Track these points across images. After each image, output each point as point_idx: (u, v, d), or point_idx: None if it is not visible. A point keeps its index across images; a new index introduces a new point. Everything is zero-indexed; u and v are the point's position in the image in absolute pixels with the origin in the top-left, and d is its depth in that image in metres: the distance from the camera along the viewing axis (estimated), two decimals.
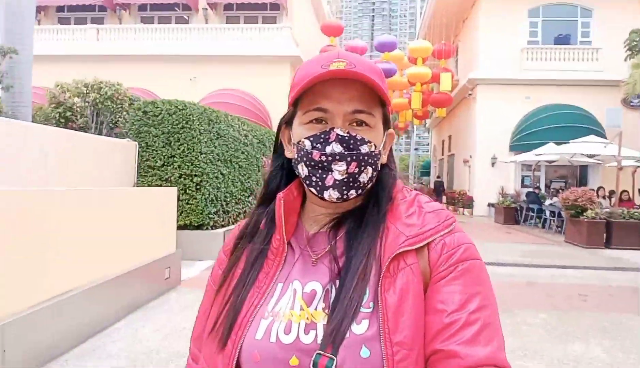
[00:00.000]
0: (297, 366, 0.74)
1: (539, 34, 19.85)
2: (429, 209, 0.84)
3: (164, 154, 7.19)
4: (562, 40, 19.74)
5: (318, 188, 0.83)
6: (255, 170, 9.40)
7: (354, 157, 0.81)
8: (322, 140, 0.82)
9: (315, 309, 0.78)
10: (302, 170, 0.84)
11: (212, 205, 7.50)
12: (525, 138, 18.26)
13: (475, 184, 19.49)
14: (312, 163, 0.82)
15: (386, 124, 0.88)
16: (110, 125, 8.11)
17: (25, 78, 6.36)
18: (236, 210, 8.57)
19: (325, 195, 0.82)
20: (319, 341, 0.74)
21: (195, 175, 7.18)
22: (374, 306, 0.75)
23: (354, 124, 0.83)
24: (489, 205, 18.52)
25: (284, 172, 0.92)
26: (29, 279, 3.41)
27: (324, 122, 0.83)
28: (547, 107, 18.47)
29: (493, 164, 18.97)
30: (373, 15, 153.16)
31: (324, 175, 0.82)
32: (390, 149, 0.93)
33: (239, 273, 0.87)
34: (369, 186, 0.85)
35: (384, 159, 0.89)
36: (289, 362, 0.75)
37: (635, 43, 15.77)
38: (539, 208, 14.35)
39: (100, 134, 7.81)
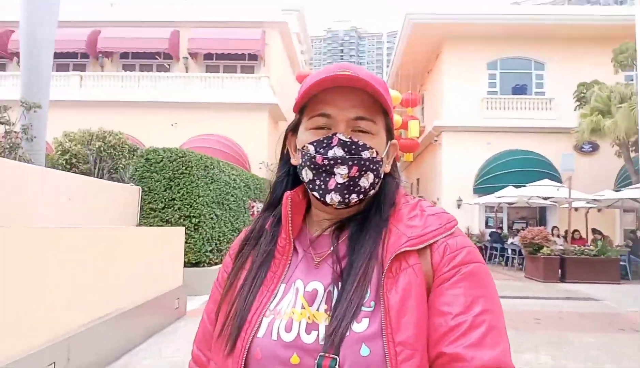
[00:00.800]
0: (297, 365, 0.75)
1: (498, 84, 21.54)
2: (431, 212, 0.86)
3: (165, 197, 7.91)
4: (519, 90, 21.48)
5: (321, 192, 0.85)
6: (243, 211, 10.15)
7: (355, 161, 0.84)
8: (324, 145, 0.85)
9: (317, 310, 0.79)
10: (306, 174, 0.87)
11: (208, 244, 8.21)
12: (487, 181, 19.54)
13: None
14: (316, 167, 0.85)
15: (389, 133, 0.92)
16: (111, 171, 8.80)
17: (42, 128, 7.02)
18: (227, 248, 9.27)
19: (327, 198, 0.85)
20: (321, 341, 0.75)
21: (194, 217, 7.91)
22: (375, 305, 0.76)
23: (357, 130, 0.86)
24: None
25: (290, 178, 0.96)
26: (82, 301, 4.07)
27: (327, 128, 0.86)
28: (506, 152, 19.85)
29: (459, 206, 20.11)
30: (341, 61, 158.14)
31: (327, 178, 0.85)
32: (394, 159, 0.97)
33: (244, 275, 0.88)
34: (370, 192, 0.88)
35: (387, 168, 0.92)
36: (290, 360, 0.76)
37: (582, 94, 17.46)
38: (501, 247, 15.46)
39: (101, 178, 8.50)
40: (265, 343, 0.78)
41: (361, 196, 0.86)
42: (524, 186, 15.49)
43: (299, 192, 0.91)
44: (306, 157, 0.86)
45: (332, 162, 0.84)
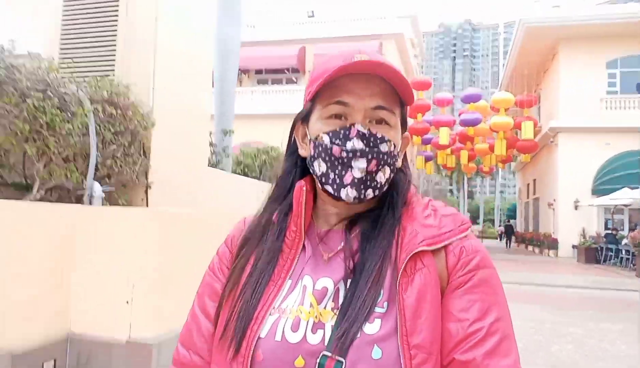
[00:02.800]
0: (302, 367, 0.73)
1: (618, 83, 21.20)
2: (445, 212, 0.84)
3: None
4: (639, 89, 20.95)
5: (335, 186, 0.80)
6: None
7: (375, 155, 0.80)
8: (342, 135, 0.80)
9: (325, 308, 0.77)
10: (319, 167, 0.82)
11: None
12: (607, 183, 19.49)
13: (559, 227, 20.87)
14: (332, 159, 0.80)
15: (403, 124, 0.87)
16: (270, 178, 11.28)
17: (230, 143, 9.17)
18: None
19: (342, 194, 0.80)
20: (327, 342, 0.73)
21: None
22: (389, 306, 0.74)
23: (374, 121, 0.81)
24: (573, 246, 19.78)
25: (298, 170, 0.90)
26: None
27: (343, 117, 0.81)
28: (627, 152, 19.59)
29: (576, 207, 20.26)
30: (454, 56, 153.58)
31: (343, 172, 0.80)
32: (405, 154, 0.92)
33: (249, 270, 0.84)
34: (384, 188, 0.83)
35: (399, 162, 0.87)
36: (294, 363, 0.73)
37: None
38: (616, 248, 15.78)
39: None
40: (268, 344, 0.75)
41: (377, 191, 0.82)
42: (633, 188, 15.65)
43: (308, 183, 0.85)
44: (320, 148, 0.81)
45: (350, 154, 0.79)
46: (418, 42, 33.94)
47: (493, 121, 22.05)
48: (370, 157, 0.79)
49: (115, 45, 4.98)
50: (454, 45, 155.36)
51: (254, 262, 0.85)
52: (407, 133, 0.90)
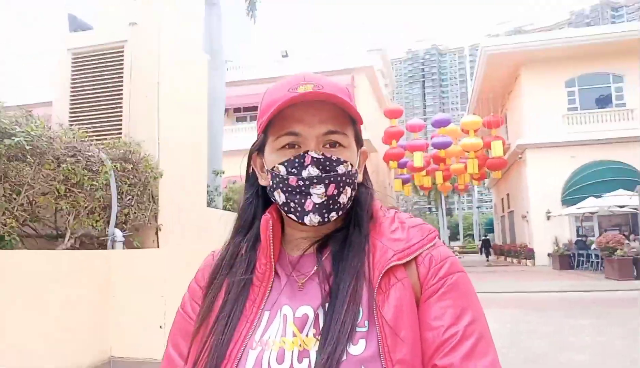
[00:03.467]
0: None
1: (577, 100, 22.60)
2: (411, 224, 0.85)
3: None
4: (603, 101, 22.38)
5: (298, 214, 0.81)
6: None
7: (332, 179, 0.80)
8: (297, 164, 0.80)
9: (307, 336, 0.76)
10: (279, 196, 0.82)
11: None
12: (575, 192, 20.53)
13: (533, 237, 21.85)
14: (289, 189, 0.81)
15: (358, 142, 0.88)
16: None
17: (220, 179, 9.87)
18: None
19: (306, 220, 0.80)
20: None
21: None
22: (369, 324, 0.75)
23: (328, 145, 0.82)
24: (548, 255, 20.74)
25: (260, 200, 0.90)
26: None
27: (296, 146, 0.81)
28: (592, 163, 20.78)
29: (548, 218, 21.27)
30: (423, 81, 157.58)
31: (303, 200, 0.80)
32: (365, 168, 0.93)
33: (219, 306, 0.82)
34: (348, 206, 0.84)
35: (359, 177, 0.88)
36: None
37: None
38: (587, 253, 16.74)
39: None
40: None
41: (340, 212, 0.82)
42: (601, 196, 16.73)
43: (273, 212, 0.85)
44: (277, 179, 0.82)
45: (307, 182, 0.79)
46: (388, 72, 35.35)
47: (464, 142, 23.24)
48: (327, 181, 0.80)
49: (121, 106, 5.69)
50: (423, 70, 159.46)
51: (225, 295, 0.83)
52: (363, 148, 0.91)
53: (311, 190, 0.80)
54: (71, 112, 5.83)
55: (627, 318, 7.72)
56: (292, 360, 0.74)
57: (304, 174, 0.80)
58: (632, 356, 5.38)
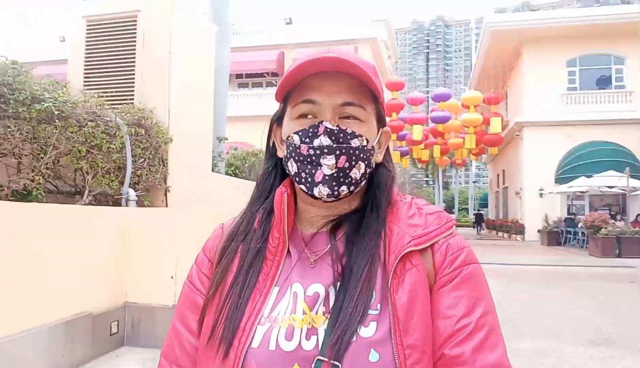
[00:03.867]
0: None
1: (577, 80, 22.83)
2: (429, 211, 0.85)
3: None
4: (604, 82, 22.63)
5: (307, 185, 0.81)
6: None
7: (344, 151, 0.79)
8: (310, 133, 0.80)
9: (316, 313, 0.76)
10: (292, 166, 0.82)
11: None
12: (569, 171, 21.00)
13: (526, 213, 22.42)
14: (301, 158, 0.81)
15: (380, 120, 0.86)
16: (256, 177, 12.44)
17: (223, 147, 10.22)
18: None
19: (315, 191, 0.80)
20: (320, 347, 0.73)
21: None
22: (382, 307, 0.75)
23: (345, 117, 0.81)
24: (538, 231, 21.37)
25: (278, 171, 0.90)
26: None
27: (313, 116, 0.81)
28: (587, 143, 21.19)
29: (541, 195, 21.80)
30: (428, 52, 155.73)
31: (313, 171, 0.80)
32: (387, 148, 0.91)
33: (232, 278, 0.83)
34: (362, 183, 0.83)
35: (379, 157, 0.87)
36: None
37: None
38: (574, 231, 17.32)
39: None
40: (262, 354, 0.74)
41: (352, 188, 0.82)
42: (592, 176, 17.23)
43: (288, 187, 0.85)
44: (291, 148, 0.82)
45: (317, 151, 0.79)
46: (391, 44, 35.24)
47: (464, 117, 23.51)
48: (338, 153, 0.79)
49: (134, 75, 6.04)
50: (427, 41, 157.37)
51: (238, 265, 0.84)
52: (387, 128, 0.89)
53: (321, 160, 0.79)
54: (85, 77, 6.19)
55: (597, 291, 8.32)
56: (300, 337, 0.74)
57: (316, 143, 0.79)
58: (593, 324, 5.91)
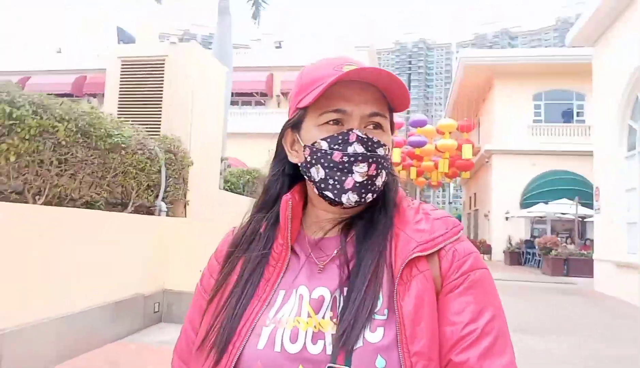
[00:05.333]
0: None
1: (542, 114, 24.83)
2: (436, 216, 0.84)
3: None
4: (567, 115, 24.64)
5: (335, 191, 0.81)
6: None
7: (375, 159, 0.81)
8: (340, 141, 0.81)
9: (323, 318, 0.77)
10: (317, 173, 0.82)
11: None
12: (533, 197, 22.67)
13: (493, 235, 24.13)
14: (331, 165, 0.81)
15: (392, 129, 0.89)
16: (251, 194, 13.63)
17: (223, 165, 11.55)
18: None
19: (344, 198, 0.81)
20: (328, 352, 0.73)
21: None
22: (389, 313, 0.75)
23: (370, 126, 0.83)
24: (503, 251, 23.05)
25: (286, 178, 0.91)
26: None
27: (340, 123, 0.82)
28: (550, 172, 22.97)
29: (507, 218, 23.54)
30: (409, 73, 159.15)
31: (344, 178, 0.80)
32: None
33: (234, 282, 0.84)
34: (379, 191, 0.85)
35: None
36: None
37: None
38: (533, 252, 19.13)
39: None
40: (268, 355, 0.75)
41: (374, 195, 0.83)
42: (547, 203, 19.09)
43: (295, 193, 0.86)
44: (319, 154, 0.82)
45: (352, 159, 0.80)
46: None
47: (440, 143, 25.30)
48: (370, 161, 0.80)
49: (161, 108, 7.45)
50: (410, 63, 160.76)
51: (240, 271, 0.85)
52: (392, 137, 0.90)
53: (354, 168, 0.80)
54: (119, 108, 7.56)
55: (536, 299, 10.14)
56: (305, 340, 0.75)
57: (349, 150, 0.80)
58: (523, 319, 7.48)
